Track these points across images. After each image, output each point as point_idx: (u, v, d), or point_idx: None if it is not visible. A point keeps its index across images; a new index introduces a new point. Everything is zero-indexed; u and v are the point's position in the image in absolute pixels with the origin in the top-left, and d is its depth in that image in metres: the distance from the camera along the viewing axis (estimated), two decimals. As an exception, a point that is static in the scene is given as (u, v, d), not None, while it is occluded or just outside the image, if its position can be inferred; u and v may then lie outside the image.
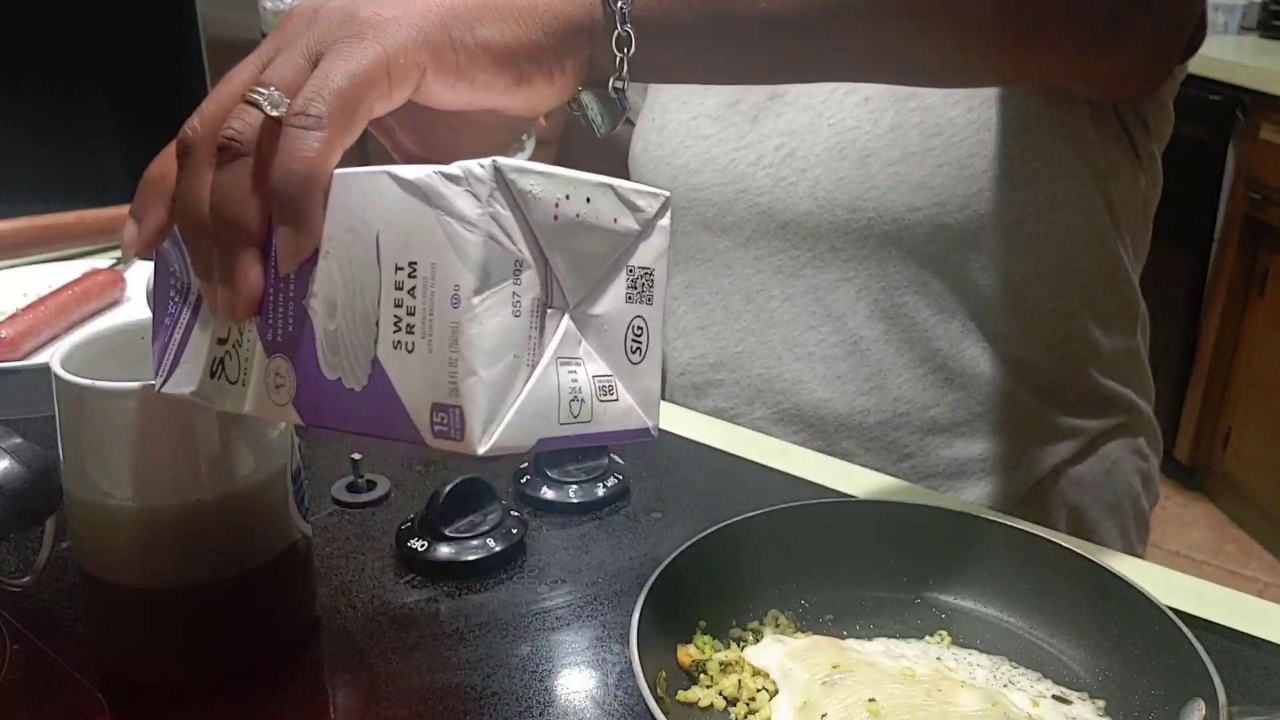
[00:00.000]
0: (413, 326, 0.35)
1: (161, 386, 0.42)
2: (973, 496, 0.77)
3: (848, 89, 0.72)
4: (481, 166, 0.34)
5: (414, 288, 0.35)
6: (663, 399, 0.82)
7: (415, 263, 0.35)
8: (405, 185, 0.35)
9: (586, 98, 0.47)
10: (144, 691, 0.49)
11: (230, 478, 0.46)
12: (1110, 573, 0.50)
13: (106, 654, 0.50)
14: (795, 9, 0.48)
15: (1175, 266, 2.37)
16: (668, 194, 0.40)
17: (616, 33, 0.44)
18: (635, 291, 0.40)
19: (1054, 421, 0.78)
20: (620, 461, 0.67)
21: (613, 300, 0.39)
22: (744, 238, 0.77)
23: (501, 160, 0.34)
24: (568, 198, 0.36)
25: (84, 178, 1.53)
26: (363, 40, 0.38)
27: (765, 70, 0.53)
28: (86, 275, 0.91)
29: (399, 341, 0.36)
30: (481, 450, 0.34)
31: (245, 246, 0.37)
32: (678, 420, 0.76)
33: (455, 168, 0.34)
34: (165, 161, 0.40)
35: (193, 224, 0.38)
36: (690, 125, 0.80)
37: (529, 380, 0.36)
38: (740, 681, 0.49)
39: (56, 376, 0.44)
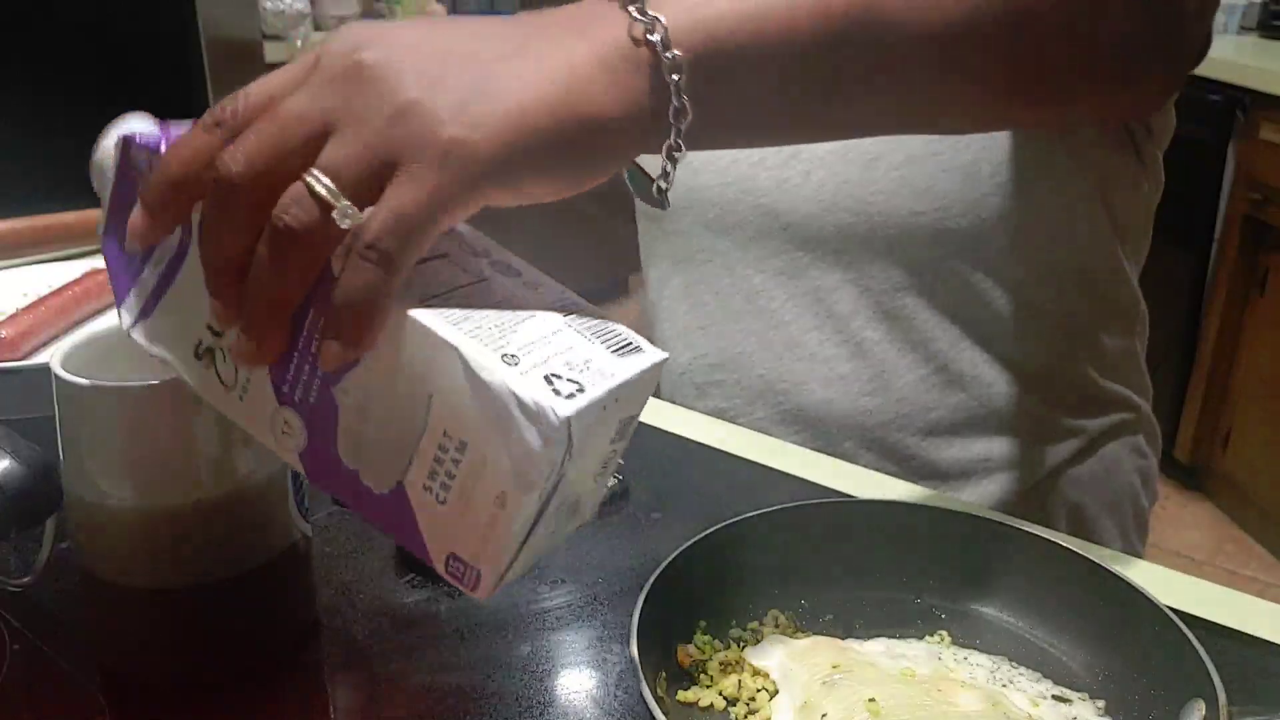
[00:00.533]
0: (448, 487, 0.36)
1: (130, 327, 0.41)
2: (973, 497, 0.77)
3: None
4: (556, 416, 0.34)
5: (459, 461, 0.36)
6: (662, 399, 0.82)
7: (466, 444, 0.35)
8: (475, 381, 0.35)
9: (633, 168, 0.46)
10: (144, 691, 0.49)
11: (230, 478, 0.46)
12: (1110, 573, 0.50)
13: (106, 654, 0.50)
14: (857, 76, 0.47)
15: (1175, 266, 2.37)
16: (664, 358, 0.40)
17: (673, 106, 0.42)
18: (620, 440, 0.41)
19: (1055, 422, 0.78)
20: (620, 461, 0.66)
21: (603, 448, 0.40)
22: (745, 238, 0.77)
23: (573, 414, 0.34)
24: (613, 438, 0.39)
25: (84, 178, 1.53)
26: (441, 170, 0.36)
27: (812, 131, 0.53)
28: (86, 275, 0.91)
29: (431, 488, 0.37)
30: (486, 598, 0.38)
31: (279, 319, 0.37)
32: (678, 420, 0.76)
33: (530, 397, 0.34)
34: (190, 160, 0.37)
35: (223, 271, 0.37)
36: None
37: (540, 541, 0.38)
38: (740, 681, 0.49)
39: (56, 376, 0.44)
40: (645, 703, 0.42)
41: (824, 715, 0.46)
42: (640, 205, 0.80)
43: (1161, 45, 0.55)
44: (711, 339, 0.82)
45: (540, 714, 0.47)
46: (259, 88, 0.39)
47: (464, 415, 0.35)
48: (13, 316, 0.83)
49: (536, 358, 0.36)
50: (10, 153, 1.39)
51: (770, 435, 0.76)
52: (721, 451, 0.71)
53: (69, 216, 1.06)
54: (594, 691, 0.49)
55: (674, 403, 0.83)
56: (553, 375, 0.35)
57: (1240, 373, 2.28)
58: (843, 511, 0.57)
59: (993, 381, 0.75)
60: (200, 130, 0.38)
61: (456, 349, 0.35)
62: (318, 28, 2.68)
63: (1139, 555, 0.83)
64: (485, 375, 0.35)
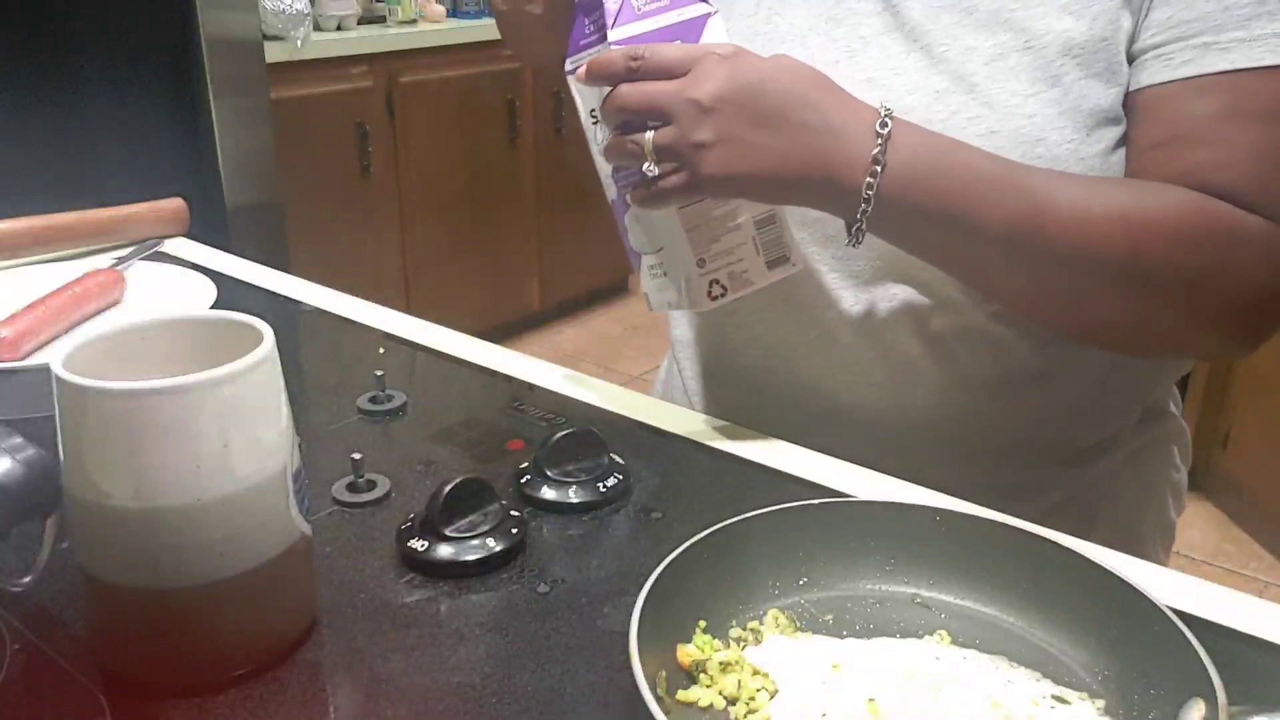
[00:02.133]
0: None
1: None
2: (1014, 512, 0.76)
3: (930, 104, 0.69)
4: None
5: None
6: (686, 404, 0.79)
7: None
8: None
9: None
10: (144, 691, 0.49)
11: (230, 478, 0.46)
12: (1110, 573, 0.50)
13: (106, 654, 0.50)
14: (1018, 246, 0.62)
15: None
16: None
17: (862, 208, 0.61)
18: None
19: (1100, 438, 0.78)
20: (620, 461, 0.67)
21: None
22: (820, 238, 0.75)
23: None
24: None
25: (84, 178, 1.53)
26: (705, 175, 0.61)
27: (953, 266, 0.67)
28: (86, 275, 0.91)
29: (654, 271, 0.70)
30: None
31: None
32: (678, 420, 0.76)
33: None
34: (605, 70, 0.63)
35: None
36: None
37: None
38: (740, 681, 0.49)
39: (56, 376, 0.44)
40: (645, 702, 0.42)
41: (824, 715, 0.46)
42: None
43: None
44: (753, 341, 0.80)
45: (540, 714, 0.48)
46: (657, 59, 0.61)
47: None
48: (13, 316, 0.83)
49: None
50: (10, 153, 1.39)
51: (804, 443, 0.73)
52: (721, 451, 0.71)
53: (69, 216, 1.06)
54: (594, 691, 0.49)
55: (701, 409, 0.79)
56: None
57: (1240, 373, 2.28)
58: (843, 511, 0.57)
59: (1040, 403, 0.75)
60: (620, 56, 0.62)
61: None
62: (318, 28, 2.68)
63: (1163, 564, 0.83)
64: None
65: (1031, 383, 0.74)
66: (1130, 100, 0.66)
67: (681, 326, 0.89)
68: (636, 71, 0.62)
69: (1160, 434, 0.83)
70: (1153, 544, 0.84)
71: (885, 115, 0.61)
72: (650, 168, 0.62)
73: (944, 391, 0.74)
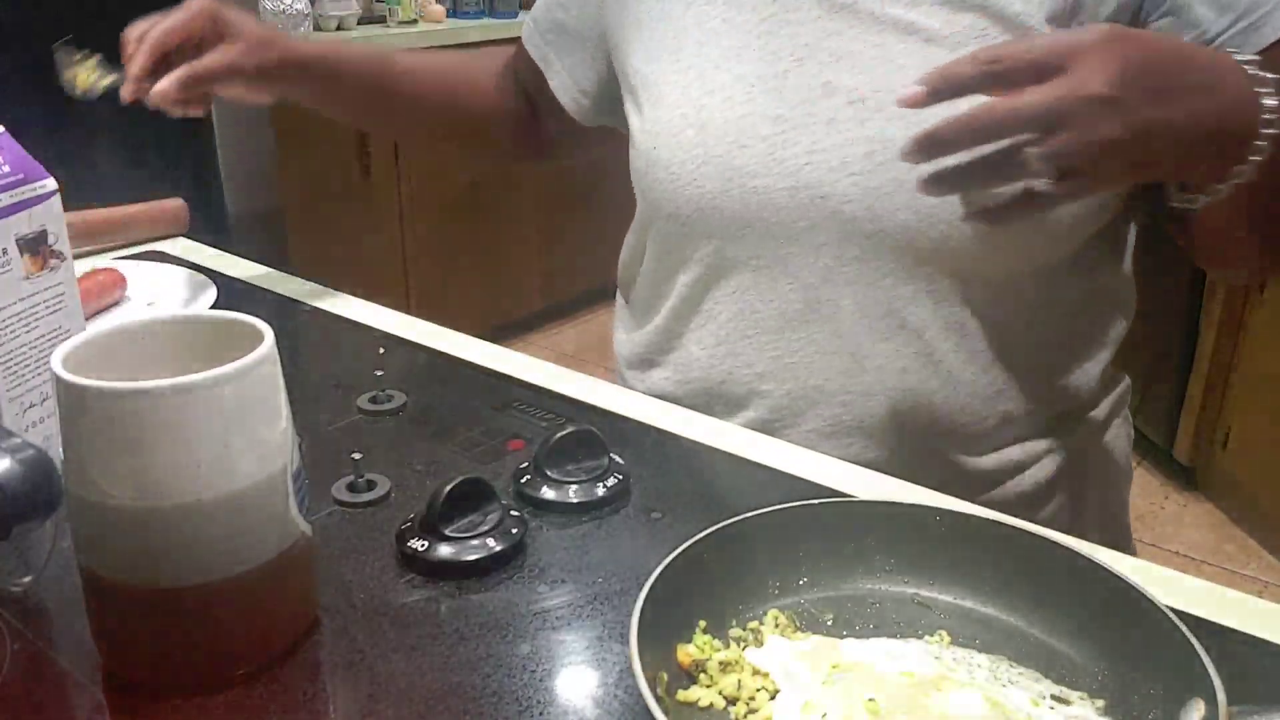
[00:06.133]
0: None
1: None
2: (1006, 496, 0.78)
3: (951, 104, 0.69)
4: None
5: None
6: (694, 410, 0.78)
7: None
8: None
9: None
10: (144, 691, 0.49)
11: (230, 478, 0.46)
12: (1110, 572, 0.50)
13: (107, 654, 0.50)
14: None
15: (1175, 266, 2.36)
16: None
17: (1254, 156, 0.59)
18: None
19: (1073, 414, 0.81)
20: (620, 461, 0.67)
21: None
22: (814, 245, 0.74)
23: None
24: None
25: (84, 178, 1.53)
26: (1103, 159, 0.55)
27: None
28: (86, 275, 0.91)
29: None
30: None
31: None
32: (678, 421, 0.76)
33: None
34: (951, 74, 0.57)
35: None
36: (742, 124, 0.75)
37: None
38: (740, 681, 0.49)
39: (56, 376, 0.44)
40: (645, 702, 0.42)
41: (824, 715, 0.46)
42: (669, 208, 0.78)
43: None
44: (757, 348, 0.78)
45: (540, 714, 0.48)
46: (1026, 58, 0.55)
47: None
48: (13, 316, 0.83)
49: None
50: (10, 153, 1.39)
51: (816, 449, 0.73)
52: (721, 451, 0.71)
53: (70, 216, 1.05)
54: (594, 691, 0.49)
55: (710, 414, 0.78)
56: None
57: (1240, 373, 2.27)
58: (843, 511, 0.57)
59: (1031, 386, 0.77)
60: (971, 65, 0.55)
61: None
62: (318, 28, 2.68)
63: (1128, 527, 0.88)
64: None
65: (1017, 347, 0.76)
66: None
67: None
68: (1002, 77, 0.55)
69: (1121, 394, 0.86)
70: (1127, 506, 0.88)
71: (1246, 62, 0.59)
72: (1046, 184, 0.56)
73: (952, 375, 0.75)
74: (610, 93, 0.91)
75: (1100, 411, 0.83)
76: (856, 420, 0.76)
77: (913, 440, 0.76)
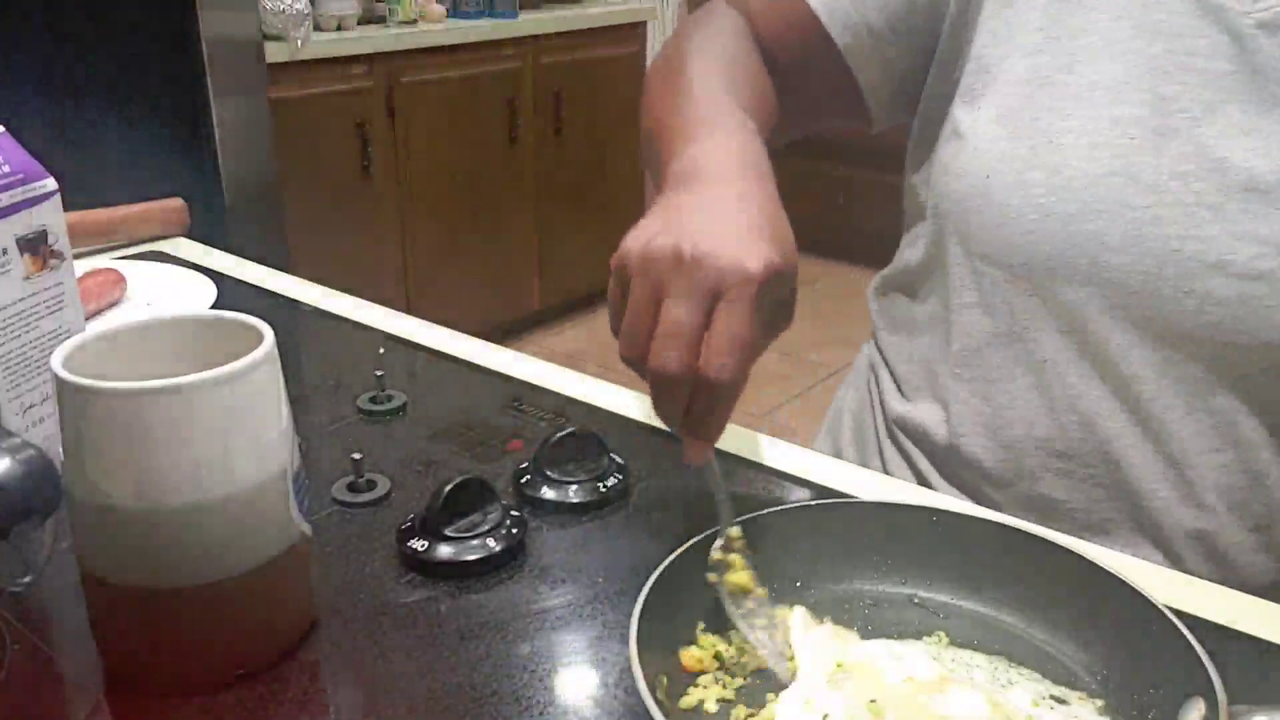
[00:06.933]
0: None
1: None
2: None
3: None
4: None
5: None
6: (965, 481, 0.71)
7: None
8: None
9: None
10: (144, 691, 0.49)
11: (230, 478, 0.46)
12: (1110, 573, 0.50)
13: (107, 654, 0.50)
14: None
15: None
16: None
17: None
18: None
19: None
20: (620, 461, 0.67)
21: None
22: (1153, 335, 0.64)
23: None
24: None
25: (84, 178, 1.53)
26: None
27: None
28: (86, 275, 0.91)
29: None
30: None
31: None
32: (678, 420, 0.75)
33: None
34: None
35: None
36: (1107, 184, 0.63)
37: None
38: (740, 681, 0.49)
39: (57, 376, 0.44)
40: (645, 703, 0.42)
41: (825, 716, 0.46)
42: (987, 249, 0.69)
43: None
44: (1057, 425, 0.69)
45: (540, 714, 0.48)
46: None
47: None
48: (13, 316, 0.83)
49: None
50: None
51: (1105, 538, 0.68)
52: (721, 452, 0.71)
53: (69, 216, 1.05)
54: (594, 691, 0.49)
55: (976, 497, 0.71)
56: None
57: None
58: (843, 512, 0.57)
59: None
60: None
61: None
62: (318, 28, 2.68)
63: None
64: None
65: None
66: None
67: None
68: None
69: None
70: None
71: None
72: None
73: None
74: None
75: None
76: (1156, 527, 0.68)
77: (1221, 556, 0.68)
